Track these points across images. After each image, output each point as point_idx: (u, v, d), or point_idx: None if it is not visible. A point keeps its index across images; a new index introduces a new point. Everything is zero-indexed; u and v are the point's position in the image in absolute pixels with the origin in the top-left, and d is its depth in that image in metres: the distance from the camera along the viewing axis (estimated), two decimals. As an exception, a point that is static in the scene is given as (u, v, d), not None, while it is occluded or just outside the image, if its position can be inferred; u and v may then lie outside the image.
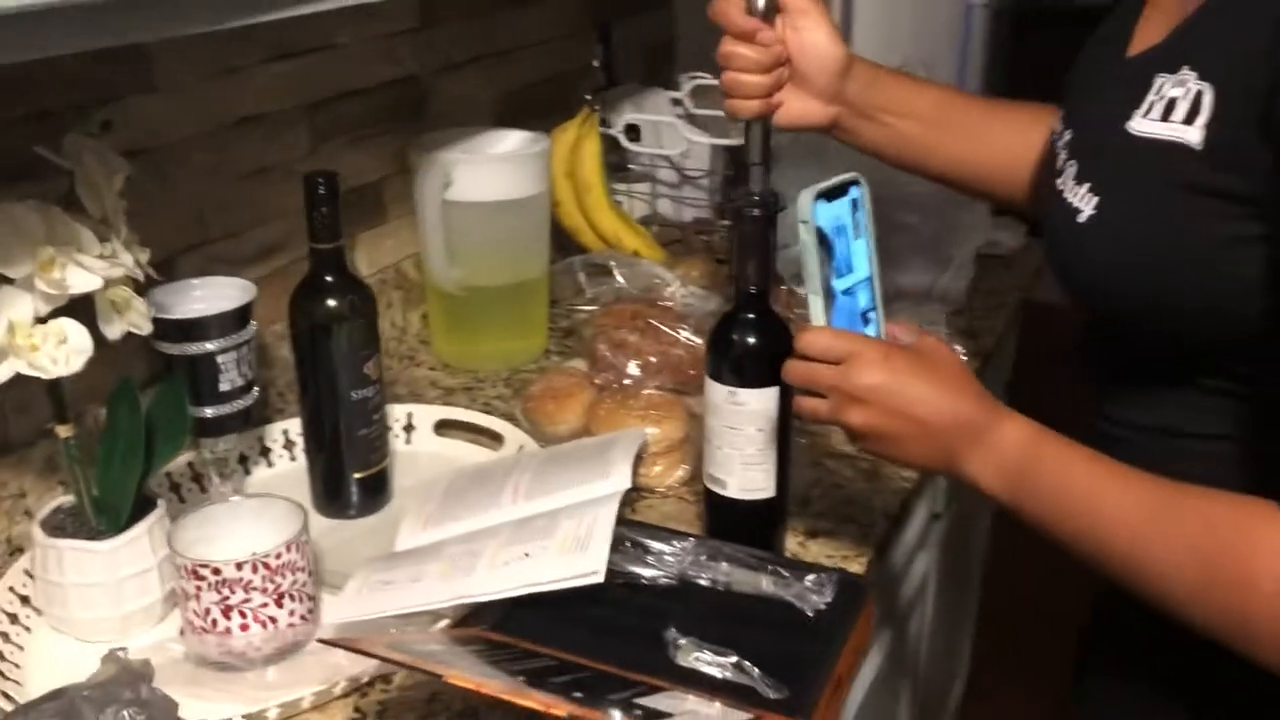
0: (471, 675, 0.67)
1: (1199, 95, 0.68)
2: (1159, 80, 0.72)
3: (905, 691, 1.57)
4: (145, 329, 0.89)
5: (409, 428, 1.21)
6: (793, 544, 1.02)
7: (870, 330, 0.85)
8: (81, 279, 0.81)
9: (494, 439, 1.20)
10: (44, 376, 0.80)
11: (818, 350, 0.80)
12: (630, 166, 1.72)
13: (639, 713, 0.66)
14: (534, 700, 0.63)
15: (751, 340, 0.89)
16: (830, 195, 0.81)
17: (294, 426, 1.17)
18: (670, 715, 0.66)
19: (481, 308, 1.37)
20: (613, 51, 1.76)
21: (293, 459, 1.17)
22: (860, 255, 0.83)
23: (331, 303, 1.01)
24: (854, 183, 0.83)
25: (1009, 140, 1.00)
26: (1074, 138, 0.81)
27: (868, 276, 0.84)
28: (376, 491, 1.10)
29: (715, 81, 1.82)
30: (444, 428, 1.23)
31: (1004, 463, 0.76)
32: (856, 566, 1.00)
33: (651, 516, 1.06)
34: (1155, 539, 0.68)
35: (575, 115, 1.61)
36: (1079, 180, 0.77)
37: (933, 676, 1.74)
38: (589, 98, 1.56)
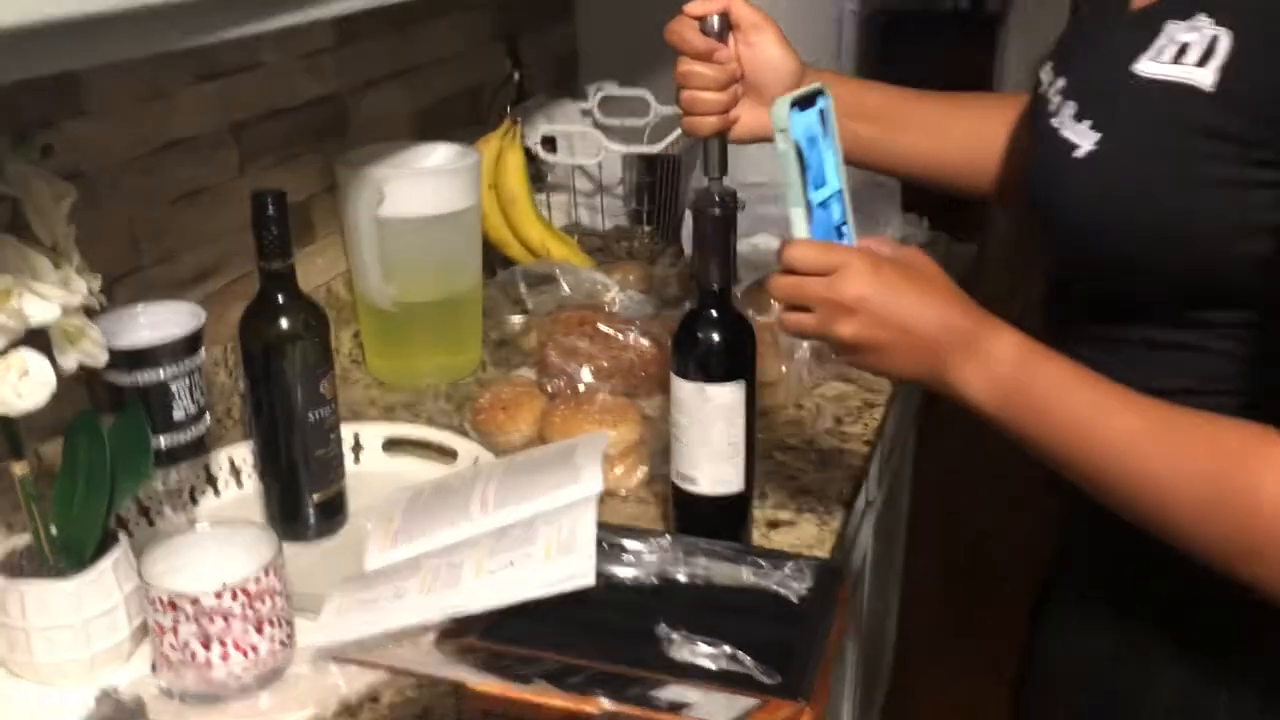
0: (490, 682, 0.67)
1: (1214, 40, 0.69)
2: (1170, 26, 0.72)
3: (851, 667, 1.62)
4: (101, 359, 0.86)
5: (357, 447, 1.20)
6: (756, 536, 1.05)
7: (845, 244, 0.83)
8: (40, 309, 0.78)
9: (445, 453, 1.20)
10: (9, 413, 0.77)
11: (805, 263, 0.78)
12: (547, 177, 1.72)
13: (664, 705, 0.67)
14: (565, 700, 0.64)
15: (716, 336, 0.91)
16: (803, 104, 0.79)
17: (239, 453, 1.15)
18: (689, 705, 0.68)
19: (416, 323, 1.36)
20: (522, 64, 1.77)
21: (240, 486, 1.14)
22: (831, 167, 0.82)
23: (284, 323, 1.00)
24: (820, 93, 0.82)
25: (970, 130, 1.03)
26: (1070, 83, 0.81)
27: (839, 189, 0.83)
28: (334, 513, 1.08)
29: (621, 91, 1.87)
30: (392, 445, 1.22)
31: (995, 375, 0.75)
32: (821, 553, 1.03)
33: (615, 519, 1.07)
34: (1159, 461, 0.69)
35: (488, 127, 1.62)
36: (1078, 118, 0.77)
37: (870, 652, 1.80)
38: (510, 109, 1.57)
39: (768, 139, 1.01)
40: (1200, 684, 0.81)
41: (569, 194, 1.72)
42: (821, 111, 0.82)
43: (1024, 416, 0.75)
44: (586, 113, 1.86)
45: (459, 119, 1.68)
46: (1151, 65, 0.73)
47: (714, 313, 0.92)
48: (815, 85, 0.83)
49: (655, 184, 1.69)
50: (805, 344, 1.30)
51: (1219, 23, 0.69)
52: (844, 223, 0.83)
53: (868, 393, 1.31)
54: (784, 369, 1.26)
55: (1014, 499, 2.97)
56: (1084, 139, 0.75)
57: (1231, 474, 0.67)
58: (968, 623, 2.55)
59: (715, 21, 0.93)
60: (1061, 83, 0.82)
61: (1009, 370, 0.75)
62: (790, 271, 0.79)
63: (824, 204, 0.81)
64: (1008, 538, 2.80)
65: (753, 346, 0.92)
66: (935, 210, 1.76)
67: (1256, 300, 0.72)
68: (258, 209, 0.97)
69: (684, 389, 0.92)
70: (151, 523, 1.06)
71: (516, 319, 1.49)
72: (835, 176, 0.83)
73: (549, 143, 1.69)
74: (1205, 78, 0.69)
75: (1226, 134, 0.68)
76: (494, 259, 1.56)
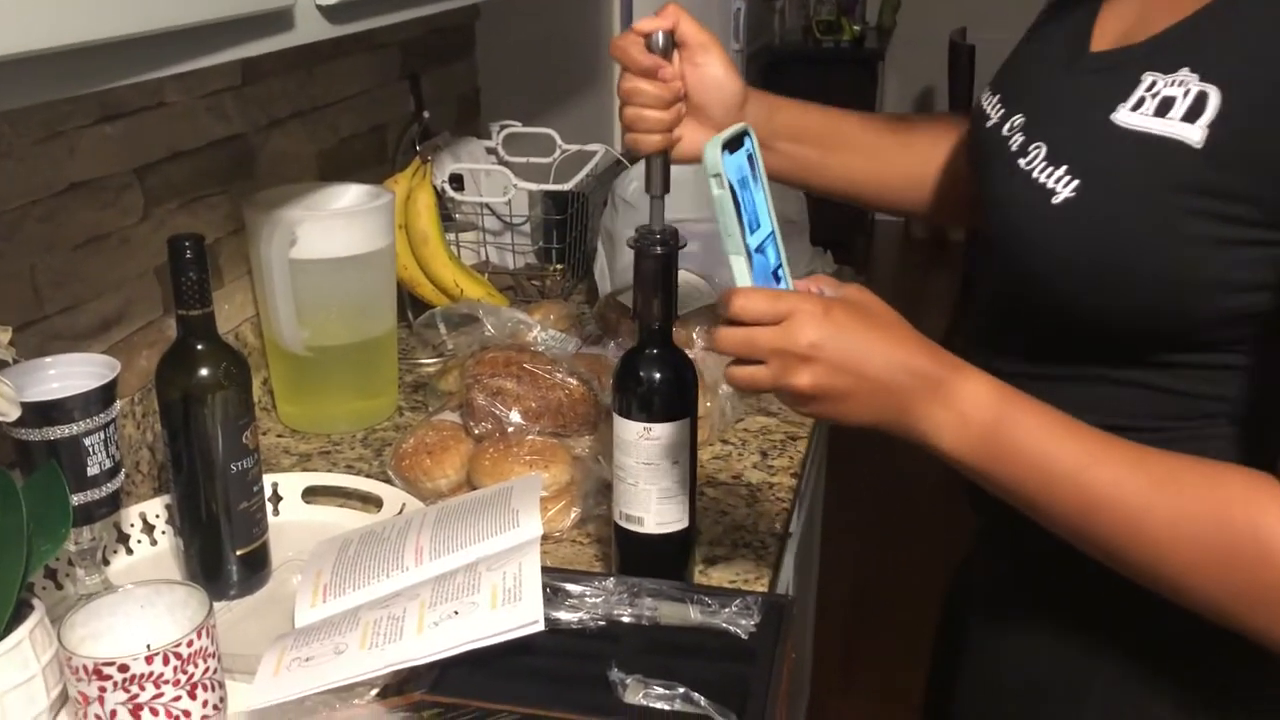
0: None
1: (1202, 96, 0.68)
2: (1149, 77, 0.71)
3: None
4: (13, 415, 0.82)
5: (275, 498, 1.16)
6: (694, 574, 1.04)
7: (784, 288, 0.78)
8: (-50, 364, 0.74)
9: (369, 501, 1.16)
10: (-81, 475, 0.72)
11: (753, 313, 0.73)
12: (455, 216, 1.71)
13: (635, 752, 0.66)
14: (539, 753, 0.62)
15: (659, 375, 0.91)
16: (731, 146, 0.76)
17: (152, 508, 1.10)
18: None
19: (330, 368, 1.32)
20: (424, 102, 1.75)
21: (154, 543, 1.09)
22: (763, 209, 0.78)
23: (204, 371, 0.96)
24: (746, 133, 0.79)
25: (915, 154, 1.04)
26: (1031, 122, 0.80)
27: (771, 231, 0.79)
28: (258, 567, 1.04)
29: (524, 129, 1.87)
30: (313, 494, 1.18)
31: (969, 423, 0.72)
32: (760, 588, 1.03)
33: (551, 562, 1.06)
34: (1158, 512, 0.67)
35: (394, 166, 1.60)
36: (1051, 162, 0.75)
37: (797, 675, 1.81)
38: (417, 148, 1.55)
39: None
40: (1128, 683, 0.82)
41: (478, 233, 1.70)
42: (749, 154, 0.79)
43: (1002, 467, 0.72)
44: (491, 151, 1.85)
45: (365, 158, 1.65)
46: (1133, 116, 0.71)
47: (655, 351, 0.91)
48: (740, 126, 0.79)
49: (565, 221, 1.68)
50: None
51: (1204, 78, 0.68)
52: (780, 265, 0.80)
53: (790, 425, 1.33)
54: (708, 404, 1.27)
55: (921, 517, 3.05)
56: (1062, 186, 0.74)
57: (1237, 523, 0.65)
58: (877, 642, 2.59)
59: (660, 39, 0.93)
60: (1020, 119, 0.81)
61: (986, 417, 0.72)
62: (737, 322, 0.74)
63: (760, 248, 0.77)
64: (914, 555, 2.87)
65: (694, 383, 0.92)
66: (824, 241, 1.80)
67: (1226, 346, 0.73)
68: (175, 254, 0.93)
69: (629, 430, 0.92)
70: (60, 586, 1.01)
71: (431, 361, 1.47)
72: (767, 218, 0.79)
73: (456, 181, 1.67)
74: (1194, 134, 0.68)
75: (1214, 191, 0.67)
76: (403, 300, 1.53)
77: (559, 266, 1.69)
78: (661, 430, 0.90)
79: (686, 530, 0.95)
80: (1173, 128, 0.69)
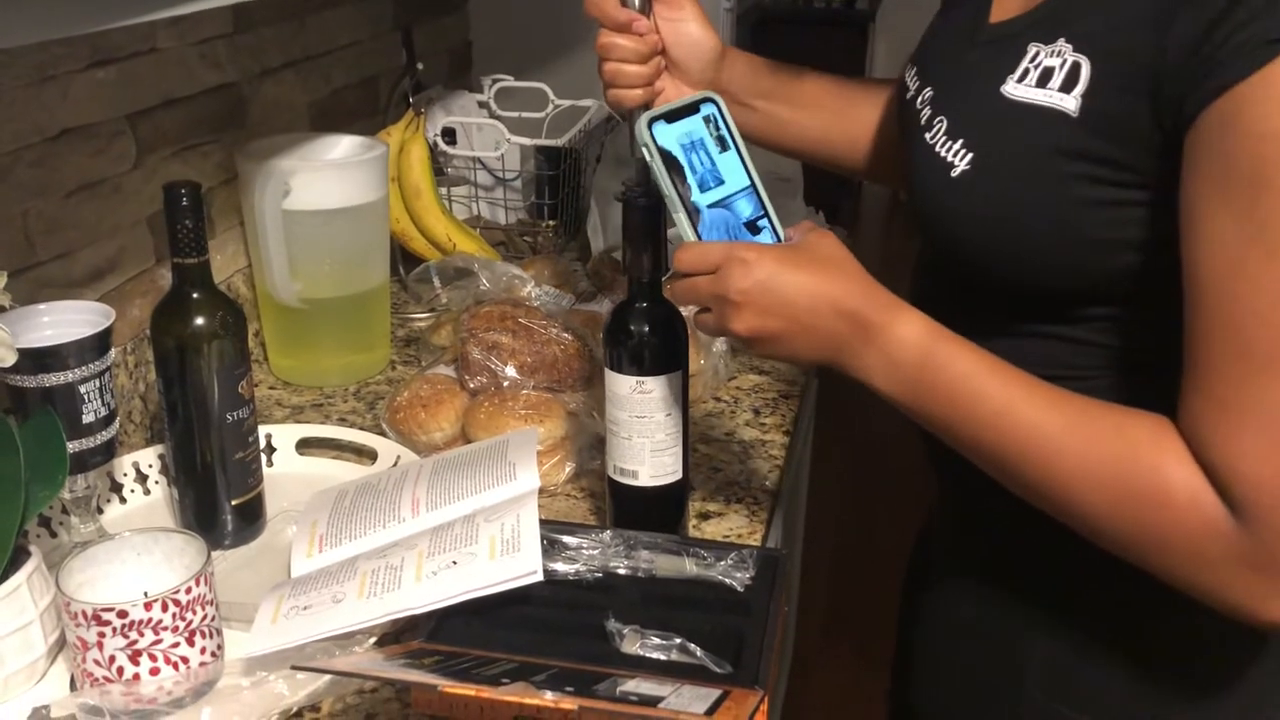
0: (463, 686, 0.65)
1: (1076, 66, 0.71)
2: (1033, 48, 0.74)
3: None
4: (9, 360, 0.81)
5: (269, 449, 1.15)
6: (688, 528, 1.05)
7: (764, 239, 0.84)
8: (-53, 308, 0.73)
9: (362, 454, 1.16)
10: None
11: (689, 264, 0.79)
12: (446, 170, 1.69)
13: (635, 699, 0.66)
14: (543, 700, 0.63)
15: (650, 329, 0.91)
16: (672, 117, 0.82)
17: (145, 457, 1.10)
18: (661, 699, 0.67)
19: (323, 321, 1.32)
20: (416, 55, 1.73)
21: (147, 493, 1.09)
22: (732, 167, 0.84)
23: (200, 320, 0.95)
24: (705, 100, 0.84)
25: (856, 116, 1.06)
26: (937, 95, 0.83)
27: (747, 186, 0.85)
28: (253, 518, 1.04)
29: (516, 83, 1.85)
30: (306, 446, 1.18)
31: (898, 362, 0.75)
32: (753, 543, 1.04)
33: (545, 516, 1.06)
34: (1072, 453, 0.70)
35: (386, 118, 1.58)
36: (951, 136, 0.78)
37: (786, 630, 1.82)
38: (410, 100, 1.53)
39: None
40: (1069, 653, 0.84)
41: (470, 187, 1.69)
42: (707, 117, 0.84)
43: (930, 405, 0.75)
44: (483, 105, 1.84)
45: (357, 110, 1.64)
46: (1019, 88, 0.74)
47: (645, 305, 0.91)
48: (697, 95, 0.85)
49: (558, 177, 1.67)
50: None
51: (1078, 49, 0.71)
52: (761, 216, 0.85)
53: (782, 384, 1.33)
54: (701, 362, 1.27)
55: (901, 479, 3.07)
56: (959, 159, 0.77)
57: (1140, 466, 0.67)
58: (857, 603, 2.62)
59: None
60: (929, 93, 0.84)
61: (913, 356, 0.75)
62: (685, 275, 0.80)
63: (723, 204, 0.83)
64: (894, 521, 2.89)
65: (685, 335, 0.92)
66: (816, 203, 1.80)
67: (1128, 299, 0.75)
68: (171, 201, 0.92)
69: (621, 384, 0.92)
70: (54, 534, 1.00)
71: (424, 315, 1.46)
72: (741, 174, 0.85)
73: (449, 134, 1.66)
74: (1069, 103, 0.71)
75: (1093, 156, 0.70)
76: (395, 254, 1.53)
77: (551, 223, 1.68)
78: (654, 383, 0.90)
79: (680, 483, 0.96)
80: (1052, 98, 0.72)
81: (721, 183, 0.83)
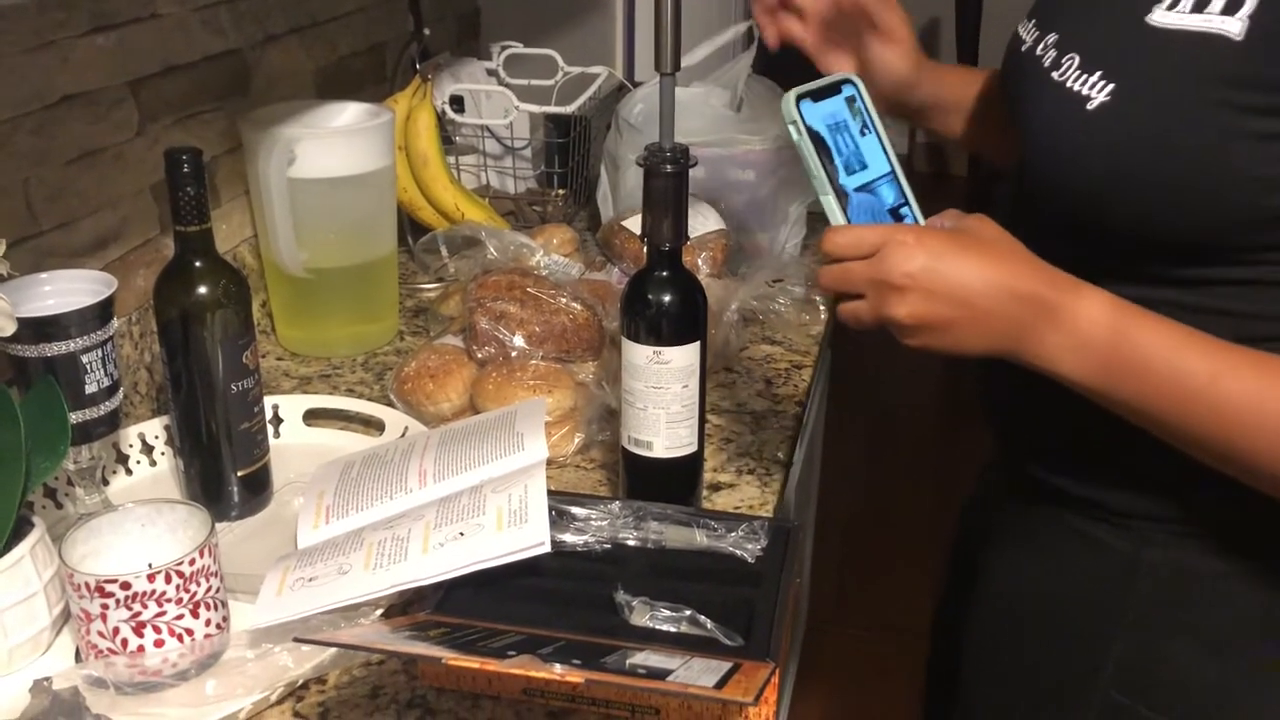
0: (469, 658, 0.64)
1: None
2: None
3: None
4: (9, 330, 0.80)
5: (276, 420, 1.14)
6: (700, 499, 1.03)
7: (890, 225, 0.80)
8: (-56, 276, 0.72)
9: (370, 425, 1.15)
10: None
11: (844, 248, 0.74)
12: (455, 139, 1.67)
13: (644, 672, 0.65)
14: (550, 673, 0.62)
15: (669, 298, 0.89)
16: (817, 96, 0.79)
17: (150, 429, 1.09)
18: (670, 671, 0.66)
19: (329, 291, 1.31)
20: (424, 21, 1.71)
21: (153, 464, 1.08)
22: (874, 151, 0.81)
23: (203, 289, 0.94)
24: (845, 81, 0.81)
25: (986, 105, 1.04)
26: (1064, 38, 0.79)
27: (888, 172, 0.81)
28: (259, 489, 1.03)
29: (525, 49, 1.82)
30: (313, 417, 1.17)
31: (1088, 344, 0.70)
32: (764, 514, 1.02)
33: (554, 487, 1.05)
34: None
35: (393, 86, 1.56)
36: (1086, 70, 0.74)
37: (798, 602, 1.82)
38: (417, 67, 1.51)
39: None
40: (1150, 648, 0.81)
41: (478, 156, 1.67)
42: (849, 98, 0.81)
43: (1126, 385, 0.70)
44: (492, 72, 1.81)
45: (363, 77, 1.62)
46: (1169, 15, 0.70)
47: (665, 273, 0.90)
48: (839, 75, 0.81)
49: (567, 146, 1.65)
50: (733, 306, 1.29)
51: None
52: (903, 204, 0.81)
53: (794, 355, 1.31)
54: (713, 332, 1.25)
55: (916, 450, 3.05)
56: (1096, 91, 0.73)
57: None
58: (870, 574, 2.61)
59: None
60: (1054, 37, 0.80)
61: (1104, 335, 0.70)
62: (835, 260, 0.75)
63: (868, 188, 0.79)
64: (907, 491, 2.88)
65: (704, 305, 0.90)
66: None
67: (1255, 256, 0.71)
68: (172, 167, 0.91)
69: (637, 354, 0.90)
70: (59, 506, 1.00)
71: (432, 285, 1.45)
72: (881, 159, 0.81)
73: (457, 102, 1.64)
74: (1234, 26, 0.67)
75: (1258, 84, 0.66)
76: (403, 223, 1.51)
77: (561, 191, 1.66)
78: (671, 354, 0.89)
79: (695, 455, 0.94)
80: (1211, 22, 0.68)
81: (865, 167, 0.80)
